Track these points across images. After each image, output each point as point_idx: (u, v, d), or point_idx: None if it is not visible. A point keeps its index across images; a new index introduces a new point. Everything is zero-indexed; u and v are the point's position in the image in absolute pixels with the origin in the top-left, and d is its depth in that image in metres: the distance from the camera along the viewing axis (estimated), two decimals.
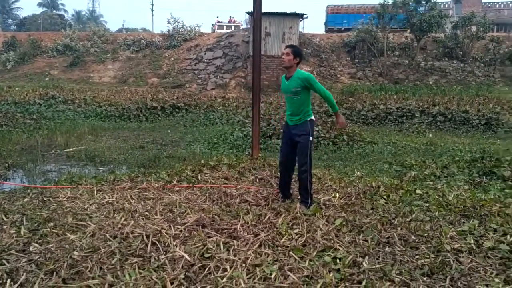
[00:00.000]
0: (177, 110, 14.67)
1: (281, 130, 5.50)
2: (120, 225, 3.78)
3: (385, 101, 15.13)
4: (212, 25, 35.86)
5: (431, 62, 23.85)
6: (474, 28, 24.38)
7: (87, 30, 31.64)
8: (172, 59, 24.99)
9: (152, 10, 72.71)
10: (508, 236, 3.57)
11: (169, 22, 27.17)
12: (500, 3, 43.87)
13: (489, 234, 3.70)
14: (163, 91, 18.88)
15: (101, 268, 3.06)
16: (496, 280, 2.93)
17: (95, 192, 4.94)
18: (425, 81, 22.74)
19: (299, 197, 4.54)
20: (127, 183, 5.33)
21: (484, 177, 6.18)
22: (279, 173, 4.88)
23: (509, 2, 43.14)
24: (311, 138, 4.39)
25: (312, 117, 4.53)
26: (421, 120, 13.19)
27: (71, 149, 8.60)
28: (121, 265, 3.10)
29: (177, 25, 26.98)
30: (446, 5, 39.83)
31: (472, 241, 3.55)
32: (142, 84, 22.61)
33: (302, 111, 4.44)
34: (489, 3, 44.15)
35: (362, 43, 24.72)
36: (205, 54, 24.56)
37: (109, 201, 4.59)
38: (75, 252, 3.23)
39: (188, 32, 26.79)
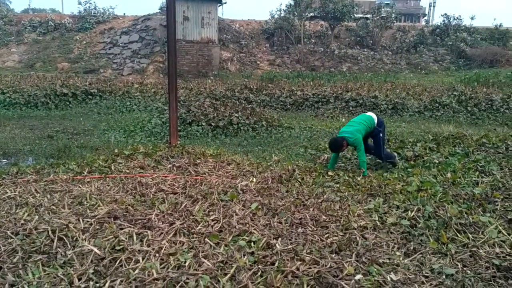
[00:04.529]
0: (90, 96, 13.88)
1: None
2: (22, 221, 3.50)
3: (302, 88, 15.60)
4: None
5: (344, 50, 25.01)
6: (383, 13, 25.87)
7: None
8: (84, 42, 23.54)
9: None
10: (409, 212, 3.86)
11: (80, 3, 25.54)
12: None
13: (392, 211, 3.99)
14: (75, 77, 17.76)
15: (1, 267, 2.83)
16: (398, 253, 3.16)
17: None
18: (339, 68, 23.82)
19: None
20: (31, 176, 4.96)
21: None
22: None
23: None
24: (381, 135, 6.03)
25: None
26: (335, 105, 13.82)
27: None
28: (23, 264, 2.89)
29: (89, 7, 25.44)
30: None
31: (377, 218, 3.80)
32: (51, 69, 21.04)
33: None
34: None
35: (280, 30, 25.20)
36: (120, 37, 23.45)
37: (11, 196, 4.23)
38: None
39: (101, 14, 25.37)
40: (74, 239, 3.18)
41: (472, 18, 32.31)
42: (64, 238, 3.19)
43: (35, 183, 4.69)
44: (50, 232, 3.24)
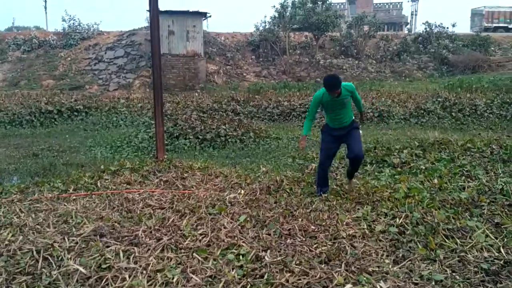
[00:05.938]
0: (76, 113, 13.78)
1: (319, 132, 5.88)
2: (6, 242, 3.44)
3: (289, 98, 15.66)
4: None
5: (329, 60, 25.23)
6: (366, 28, 26.28)
7: None
8: (69, 59, 23.39)
9: (45, 7, 67.00)
10: (397, 219, 3.87)
11: (64, 20, 25.42)
12: (389, 4, 47.77)
13: (380, 218, 3.99)
14: (60, 94, 17.61)
15: None
16: (387, 261, 3.16)
17: None
18: None
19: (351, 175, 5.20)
20: (16, 195, 4.88)
21: (377, 165, 6.68)
22: (321, 170, 5.09)
23: (397, 3, 47.17)
24: (361, 132, 5.35)
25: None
26: (322, 115, 13.87)
27: None
28: (7, 286, 2.83)
29: (73, 23, 25.33)
30: (342, 6, 42.46)
31: (365, 226, 3.80)
32: (35, 87, 20.82)
33: (350, 115, 5.19)
34: (380, 4, 47.93)
35: (266, 42, 25.36)
36: (105, 53, 23.36)
37: None
38: None
39: (85, 30, 25.28)
40: (59, 258, 3.12)
41: (453, 26, 32.78)
42: (49, 258, 3.13)
43: (20, 202, 4.61)
44: (34, 252, 3.18)
